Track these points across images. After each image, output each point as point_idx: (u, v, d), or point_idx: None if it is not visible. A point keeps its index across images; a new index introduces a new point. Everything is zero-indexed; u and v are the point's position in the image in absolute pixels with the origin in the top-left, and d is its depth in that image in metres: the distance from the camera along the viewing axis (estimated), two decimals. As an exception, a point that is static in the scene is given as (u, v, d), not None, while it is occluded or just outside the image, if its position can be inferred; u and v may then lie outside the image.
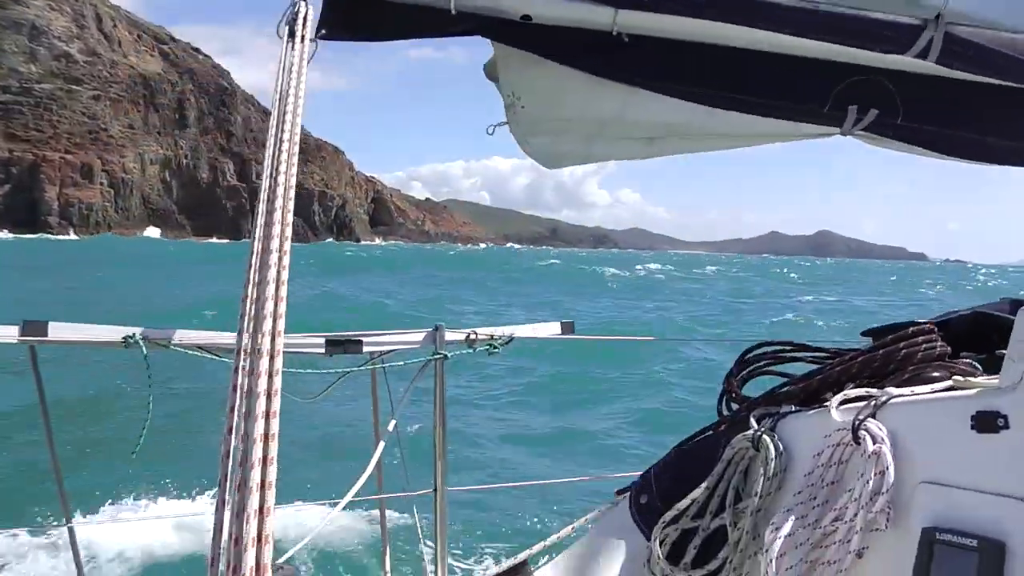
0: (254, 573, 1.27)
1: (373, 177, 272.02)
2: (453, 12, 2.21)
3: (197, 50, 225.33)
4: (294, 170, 1.73)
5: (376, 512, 3.35)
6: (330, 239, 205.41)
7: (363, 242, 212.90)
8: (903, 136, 2.62)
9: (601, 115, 2.65)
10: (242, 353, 1.53)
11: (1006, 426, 1.41)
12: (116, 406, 12.90)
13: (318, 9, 2.17)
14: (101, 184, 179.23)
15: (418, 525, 3.28)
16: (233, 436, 1.39)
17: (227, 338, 2.64)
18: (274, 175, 1.70)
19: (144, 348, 2.54)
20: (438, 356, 3.10)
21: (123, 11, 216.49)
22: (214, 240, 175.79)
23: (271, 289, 1.58)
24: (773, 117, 2.61)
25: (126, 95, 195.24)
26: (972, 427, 1.45)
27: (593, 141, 2.85)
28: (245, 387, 1.46)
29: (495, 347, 3.27)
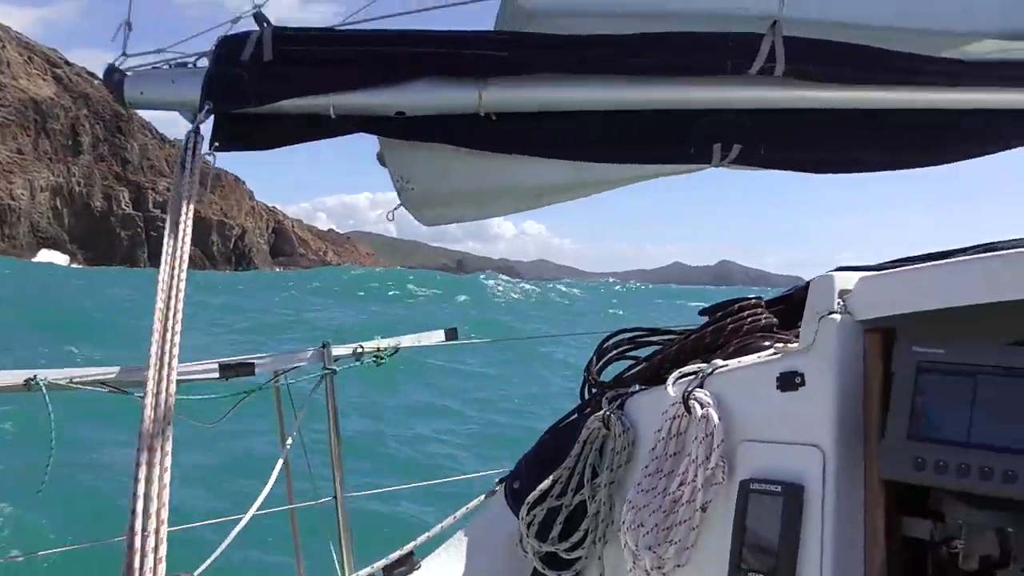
0: None
1: (275, 207, 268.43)
2: (333, 117, 2.46)
3: (92, 75, 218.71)
4: (185, 264, 2.17)
5: (283, 524, 3.58)
6: (228, 269, 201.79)
7: (260, 270, 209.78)
8: (769, 163, 2.82)
9: (485, 183, 2.89)
10: (150, 387, 1.87)
11: (803, 383, 1.60)
12: (20, 444, 12.50)
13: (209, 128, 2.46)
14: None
15: (323, 531, 3.47)
16: (137, 499, 1.70)
17: (127, 373, 2.75)
18: (173, 264, 2.15)
19: (45, 390, 2.59)
20: (327, 371, 3.32)
21: (13, 32, 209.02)
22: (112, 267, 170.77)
23: (169, 332, 1.94)
24: (645, 163, 2.85)
25: (15, 119, 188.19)
26: (777, 387, 1.64)
27: (483, 204, 3.07)
28: (148, 439, 1.77)
29: (382, 358, 3.48)
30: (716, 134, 2.67)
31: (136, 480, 1.73)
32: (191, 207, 2.24)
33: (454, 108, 2.51)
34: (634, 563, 1.78)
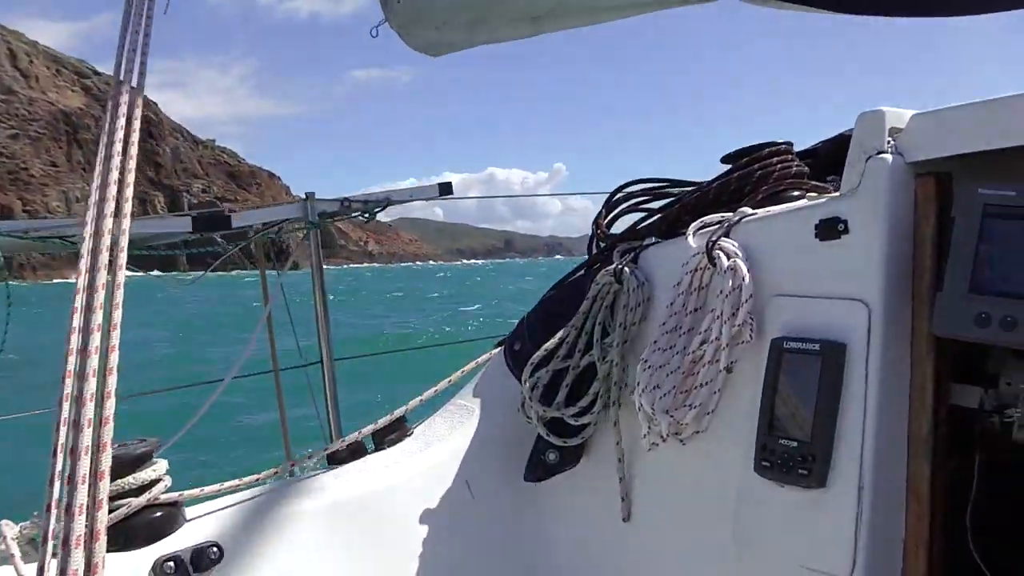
0: (87, 510, 1.24)
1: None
2: None
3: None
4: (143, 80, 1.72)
5: (268, 388, 3.53)
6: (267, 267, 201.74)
7: (303, 269, 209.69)
8: None
9: None
10: (88, 229, 1.49)
11: (846, 231, 1.43)
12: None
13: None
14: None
15: (312, 394, 3.43)
16: (71, 379, 1.34)
17: (77, 224, 2.59)
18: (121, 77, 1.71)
19: None
20: (311, 225, 3.12)
21: (41, 46, 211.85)
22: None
23: (116, 160, 1.54)
24: None
25: (46, 132, 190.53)
26: (816, 236, 1.47)
27: (476, 26, 2.76)
28: (82, 323, 1.41)
29: (371, 213, 3.28)
30: None
31: (72, 331, 1.41)
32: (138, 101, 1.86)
33: None
34: (649, 428, 1.64)
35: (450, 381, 2.27)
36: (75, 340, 1.36)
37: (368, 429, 2.13)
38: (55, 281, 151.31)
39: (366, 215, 3.27)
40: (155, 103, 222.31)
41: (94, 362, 1.33)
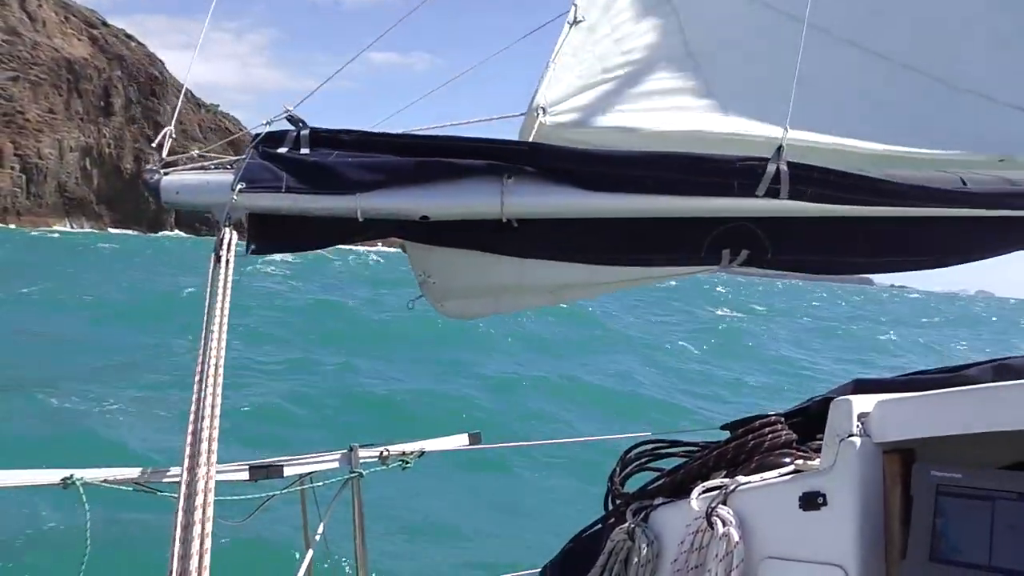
0: None
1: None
2: (361, 220, 2.51)
3: (130, 36, 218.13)
4: (223, 354, 2.13)
5: None
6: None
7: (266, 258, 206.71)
8: (775, 266, 2.80)
9: (503, 282, 2.91)
10: (183, 490, 1.83)
11: (825, 503, 1.65)
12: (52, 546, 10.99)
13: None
14: (12, 169, 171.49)
15: None
16: None
17: (159, 474, 2.78)
18: (206, 359, 2.09)
19: (81, 489, 2.63)
20: (353, 475, 3.35)
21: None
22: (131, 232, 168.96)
23: (206, 431, 1.92)
24: (656, 266, 2.84)
25: (47, 78, 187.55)
26: (800, 507, 1.68)
27: (501, 299, 3.07)
28: (181, 534, 1.73)
29: (407, 462, 3.51)
30: (725, 240, 2.73)
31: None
32: (227, 302, 2.31)
33: (477, 213, 2.59)
34: None
35: None
36: None
37: None
38: (35, 230, 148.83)
39: (403, 465, 3.53)
40: (162, 61, 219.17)
41: None
